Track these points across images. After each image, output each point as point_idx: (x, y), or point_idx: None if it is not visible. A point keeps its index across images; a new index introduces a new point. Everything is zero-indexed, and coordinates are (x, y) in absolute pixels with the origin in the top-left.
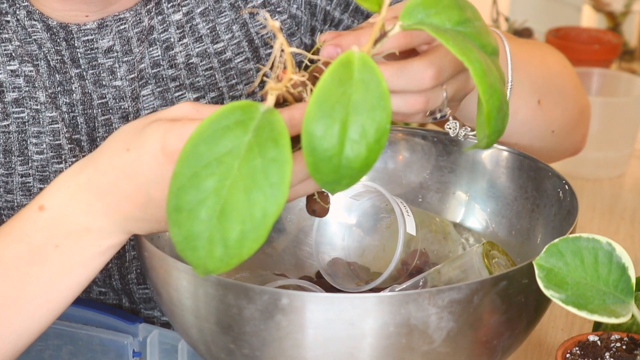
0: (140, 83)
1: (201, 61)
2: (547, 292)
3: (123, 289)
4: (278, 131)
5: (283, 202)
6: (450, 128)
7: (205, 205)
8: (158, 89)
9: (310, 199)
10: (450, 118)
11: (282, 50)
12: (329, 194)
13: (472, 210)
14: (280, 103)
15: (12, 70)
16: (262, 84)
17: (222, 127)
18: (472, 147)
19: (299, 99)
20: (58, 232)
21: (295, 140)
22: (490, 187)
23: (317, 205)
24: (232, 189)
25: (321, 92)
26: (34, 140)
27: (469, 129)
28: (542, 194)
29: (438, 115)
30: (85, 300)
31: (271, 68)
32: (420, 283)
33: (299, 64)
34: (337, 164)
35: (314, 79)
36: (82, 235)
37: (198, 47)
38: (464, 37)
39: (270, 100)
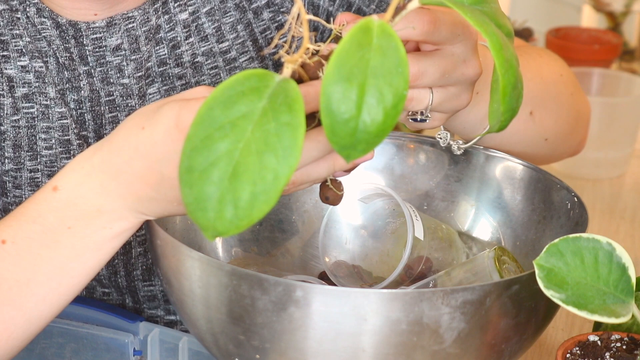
0: (147, 81)
1: (206, 60)
2: (547, 292)
3: (128, 286)
4: (292, 97)
5: (295, 166)
6: (440, 138)
7: (217, 167)
8: (164, 87)
9: (323, 186)
10: (442, 128)
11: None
12: (341, 182)
13: (477, 220)
14: (296, 81)
15: (22, 66)
16: (276, 48)
17: (237, 93)
18: (485, 132)
19: (314, 78)
20: (71, 212)
21: (310, 119)
22: (496, 198)
23: (330, 192)
24: (244, 152)
25: (340, 55)
26: (43, 136)
27: (461, 142)
28: (549, 206)
29: (418, 118)
30: (87, 299)
31: (285, 35)
32: (430, 285)
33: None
34: (354, 127)
35: None
36: (94, 216)
37: (203, 47)
38: (482, 14)
39: (286, 72)
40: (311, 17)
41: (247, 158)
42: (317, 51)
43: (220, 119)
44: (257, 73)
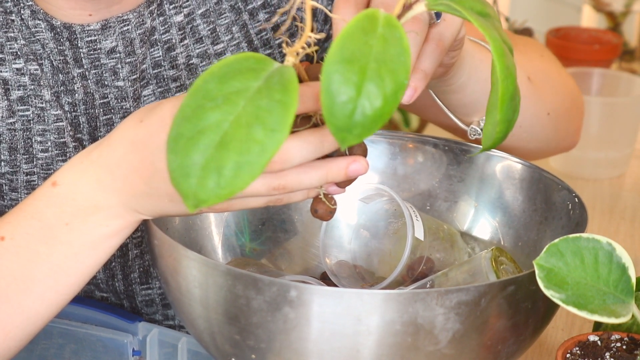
0: (141, 83)
1: (201, 62)
2: (547, 292)
3: (125, 290)
4: (288, 78)
5: (281, 142)
6: (473, 134)
7: (205, 135)
8: (159, 90)
9: (315, 199)
10: (465, 126)
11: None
12: (334, 197)
13: (479, 220)
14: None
15: (17, 69)
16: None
17: (233, 70)
18: (478, 152)
19: (314, 79)
20: (68, 208)
21: (305, 120)
22: (499, 198)
23: (320, 205)
24: (234, 124)
25: (344, 37)
26: (39, 138)
27: (482, 119)
28: (550, 207)
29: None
30: (87, 299)
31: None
32: (428, 285)
33: (310, 60)
34: (352, 109)
35: None
36: (91, 212)
37: (198, 48)
38: (486, 21)
39: (287, 63)
40: (315, 4)
41: (236, 130)
42: (319, 41)
43: (214, 92)
44: (256, 56)
